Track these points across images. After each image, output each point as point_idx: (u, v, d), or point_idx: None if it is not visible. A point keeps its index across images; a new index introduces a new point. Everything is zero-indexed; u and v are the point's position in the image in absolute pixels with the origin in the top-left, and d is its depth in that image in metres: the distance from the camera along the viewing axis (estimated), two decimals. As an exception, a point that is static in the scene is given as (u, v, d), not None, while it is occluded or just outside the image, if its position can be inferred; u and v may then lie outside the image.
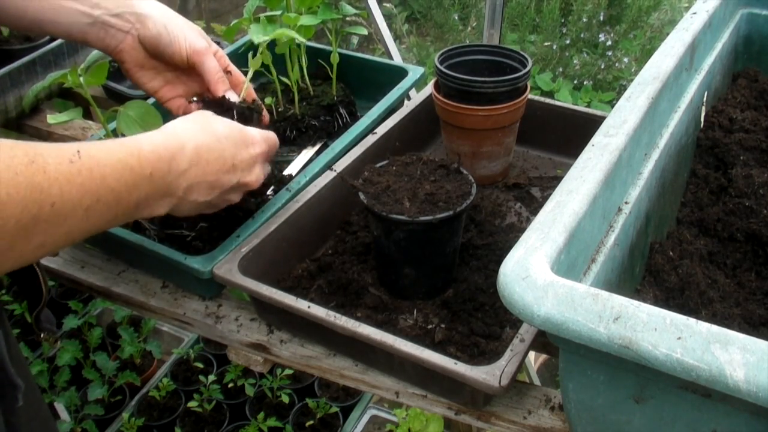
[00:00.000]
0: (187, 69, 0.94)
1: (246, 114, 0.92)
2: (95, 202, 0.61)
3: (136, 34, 0.90)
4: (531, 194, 1.12)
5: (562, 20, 3.14)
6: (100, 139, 1.04)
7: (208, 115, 0.80)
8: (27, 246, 0.56)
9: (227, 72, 0.95)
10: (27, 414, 0.76)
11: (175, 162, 0.71)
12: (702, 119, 0.97)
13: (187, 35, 0.91)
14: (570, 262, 0.59)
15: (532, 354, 1.96)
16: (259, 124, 0.93)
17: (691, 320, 0.47)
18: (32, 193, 0.54)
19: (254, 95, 0.99)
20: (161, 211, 0.74)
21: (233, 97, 0.93)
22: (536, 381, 2.00)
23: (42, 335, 0.88)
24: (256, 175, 0.83)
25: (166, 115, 0.94)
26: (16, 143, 0.55)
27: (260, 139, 0.84)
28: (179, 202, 0.75)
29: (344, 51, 1.29)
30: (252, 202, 0.99)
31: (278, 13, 1.11)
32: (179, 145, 0.72)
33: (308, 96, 1.23)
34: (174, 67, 0.95)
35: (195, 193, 0.76)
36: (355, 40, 3.33)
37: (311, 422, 1.88)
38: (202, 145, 0.75)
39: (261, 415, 1.86)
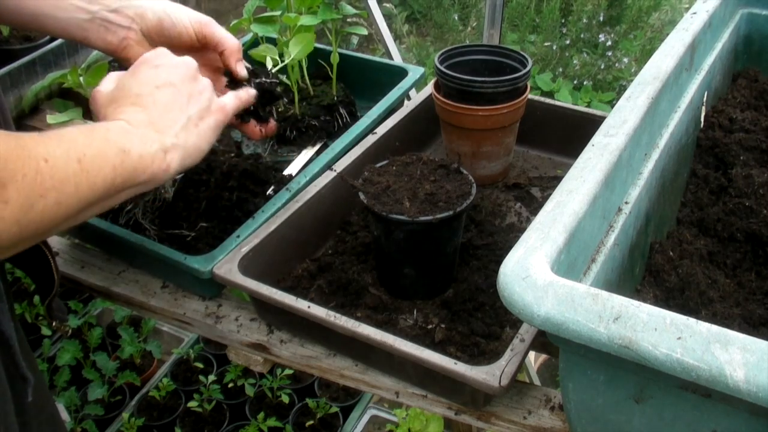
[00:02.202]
0: (195, 52, 0.92)
1: (270, 86, 0.94)
2: (83, 155, 0.62)
3: (137, 28, 0.90)
4: (531, 194, 1.12)
5: (562, 20, 3.14)
6: None
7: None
8: (46, 204, 0.58)
9: None
10: (36, 407, 0.77)
11: (115, 102, 0.73)
12: (702, 119, 0.97)
13: (189, 13, 0.91)
14: (570, 262, 0.59)
15: (532, 354, 1.96)
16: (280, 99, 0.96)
17: (691, 320, 0.47)
18: (23, 150, 0.56)
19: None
20: (153, 140, 0.70)
21: (243, 71, 0.93)
22: (536, 381, 2.00)
23: (54, 323, 0.89)
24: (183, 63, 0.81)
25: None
26: None
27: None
28: (157, 116, 0.73)
29: (344, 51, 1.29)
30: (252, 202, 0.99)
31: (278, 13, 1.11)
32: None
33: (308, 96, 1.23)
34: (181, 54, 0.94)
35: (158, 96, 0.75)
36: (355, 40, 3.33)
37: (311, 422, 1.88)
38: (120, 74, 0.77)
39: (261, 415, 1.86)
